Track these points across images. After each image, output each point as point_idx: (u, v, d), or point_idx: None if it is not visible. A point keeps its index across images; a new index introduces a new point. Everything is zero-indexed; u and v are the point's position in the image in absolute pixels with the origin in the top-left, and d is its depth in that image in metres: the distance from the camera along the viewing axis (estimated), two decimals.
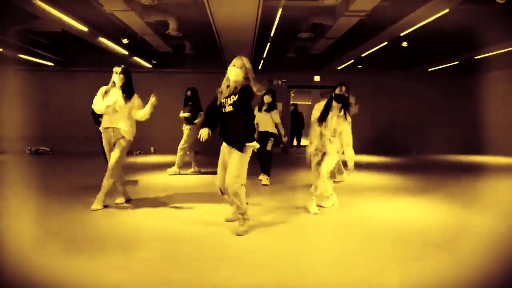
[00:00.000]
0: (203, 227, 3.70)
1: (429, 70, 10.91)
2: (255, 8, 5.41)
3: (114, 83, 4.31)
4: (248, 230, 3.50)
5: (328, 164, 4.24)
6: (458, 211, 4.35)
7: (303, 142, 13.06)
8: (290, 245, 3.23)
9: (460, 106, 11.36)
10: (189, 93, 6.84)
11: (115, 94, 4.27)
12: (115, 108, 4.26)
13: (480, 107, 11.15)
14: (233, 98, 3.38)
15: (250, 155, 3.50)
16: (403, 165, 8.75)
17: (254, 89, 3.40)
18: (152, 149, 11.30)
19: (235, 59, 3.49)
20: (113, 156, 4.23)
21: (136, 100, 4.35)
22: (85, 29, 6.12)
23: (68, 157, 9.88)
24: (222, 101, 3.47)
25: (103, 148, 4.56)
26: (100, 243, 3.23)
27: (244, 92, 3.35)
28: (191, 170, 7.08)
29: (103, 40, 6.96)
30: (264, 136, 5.88)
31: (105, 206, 4.31)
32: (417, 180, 6.46)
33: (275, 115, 5.94)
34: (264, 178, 5.94)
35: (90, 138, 10.14)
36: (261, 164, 6.06)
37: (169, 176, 6.74)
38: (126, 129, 4.28)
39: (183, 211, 4.30)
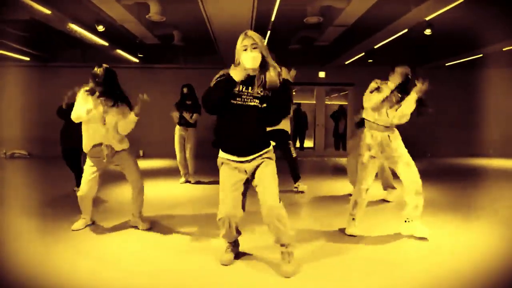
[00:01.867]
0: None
1: (447, 64, 9.87)
2: None
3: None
4: (297, 270, 2.64)
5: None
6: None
7: (306, 144, 12.15)
8: None
9: (478, 104, 10.34)
10: (185, 90, 6.01)
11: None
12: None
13: (500, 106, 10.20)
14: (259, 91, 2.52)
15: None
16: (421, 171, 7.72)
17: (289, 78, 2.56)
18: (141, 153, 10.29)
19: (243, 38, 2.52)
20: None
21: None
22: (48, 12, 5.08)
23: (48, 162, 8.88)
24: (236, 90, 2.52)
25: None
26: None
27: (285, 87, 2.57)
28: (183, 179, 6.24)
29: (73, 27, 5.93)
30: (281, 135, 5.09)
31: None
32: (443, 192, 5.46)
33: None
34: (300, 185, 5.40)
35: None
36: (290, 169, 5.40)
37: (161, 186, 5.97)
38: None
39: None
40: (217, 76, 2.56)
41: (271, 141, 2.70)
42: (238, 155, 2.58)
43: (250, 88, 2.52)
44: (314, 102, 11.32)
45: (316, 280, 2.55)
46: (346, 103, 11.94)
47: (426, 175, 7.21)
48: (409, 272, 2.69)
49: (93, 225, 3.74)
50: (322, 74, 10.62)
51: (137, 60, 9.29)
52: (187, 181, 6.18)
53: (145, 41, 7.78)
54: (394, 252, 3.09)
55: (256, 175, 2.61)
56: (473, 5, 5.21)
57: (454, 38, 8.02)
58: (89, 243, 3.28)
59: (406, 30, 6.56)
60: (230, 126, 2.57)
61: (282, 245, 2.64)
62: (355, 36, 7.64)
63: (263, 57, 2.49)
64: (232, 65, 2.55)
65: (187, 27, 7.36)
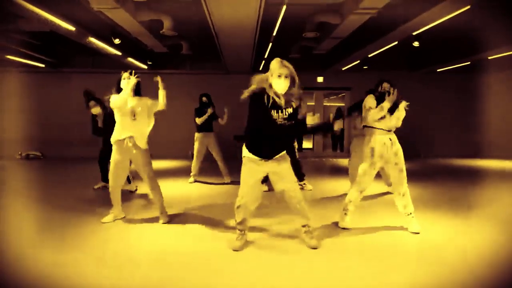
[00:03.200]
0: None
1: (438, 70, 10.44)
2: (257, 6, 4.94)
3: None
4: (319, 244, 3.35)
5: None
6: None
7: (305, 145, 12.68)
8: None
9: (469, 108, 10.90)
10: (204, 99, 6.51)
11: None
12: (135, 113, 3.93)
13: (491, 109, 10.71)
14: (288, 111, 3.08)
15: None
16: (413, 171, 8.27)
17: (303, 109, 3.19)
18: None
19: (276, 65, 3.04)
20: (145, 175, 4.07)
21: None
22: (72, 28, 5.64)
23: (61, 163, 9.44)
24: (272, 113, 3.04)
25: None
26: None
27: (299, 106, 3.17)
28: (192, 179, 6.75)
29: (93, 40, 6.48)
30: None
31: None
32: (433, 190, 5.99)
33: None
34: (305, 184, 5.97)
35: (84, 142, 9.85)
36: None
37: (174, 186, 6.41)
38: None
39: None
40: (251, 92, 3.03)
41: None
42: (263, 158, 3.19)
43: (280, 109, 3.03)
44: (313, 103, 11.89)
45: (317, 265, 3.06)
46: (343, 104, 12.50)
47: (424, 175, 7.74)
48: (401, 264, 3.03)
49: (123, 219, 4.26)
50: (320, 79, 11.18)
51: (145, 67, 9.84)
52: (196, 181, 6.68)
53: (155, 49, 8.33)
54: (387, 245, 3.47)
55: (276, 171, 3.22)
56: (464, 15, 5.54)
57: (446, 44, 8.57)
58: (116, 231, 3.83)
59: (396, 42, 7.12)
60: (262, 137, 3.13)
61: (303, 226, 3.36)
62: (350, 47, 8.21)
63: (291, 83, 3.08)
64: (258, 75, 3.09)
65: (194, 37, 7.93)
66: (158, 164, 9.31)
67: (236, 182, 4.73)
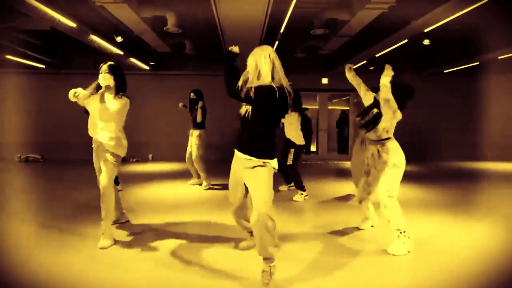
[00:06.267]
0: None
1: (445, 72, 10.26)
2: (265, 3, 4.78)
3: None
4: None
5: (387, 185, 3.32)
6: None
7: (312, 148, 12.49)
8: None
9: (476, 109, 10.70)
10: (192, 95, 6.26)
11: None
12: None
13: (500, 111, 10.54)
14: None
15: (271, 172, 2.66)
16: (420, 175, 8.07)
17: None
18: (150, 156, 10.63)
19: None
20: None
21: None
22: (73, 25, 5.45)
23: (61, 165, 9.23)
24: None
25: None
26: None
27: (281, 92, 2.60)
28: (195, 180, 6.51)
29: (94, 38, 6.31)
30: (286, 144, 5.45)
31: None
32: (441, 193, 5.81)
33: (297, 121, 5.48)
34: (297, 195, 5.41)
35: (84, 145, 9.63)
36: (284, 176, 5.73)
37: (172, 189, 6.15)
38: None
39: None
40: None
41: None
42: (239, 150, 2.71)
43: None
44: (317, 107, 11.67)
45: (314, 272, 2.87)
46: (348, 108, 12.32)
47: (426, 178, 7.59)
48: (405, 269, 2.96)
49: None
50: (325, 81, 11.00)
51: (148, 68, 9.66)
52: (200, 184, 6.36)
53: (158, 49, 8.16)
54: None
55: (247, 180, 2.67)
56: (472, 14, 5.44)
57: (453, 45, 8.39)
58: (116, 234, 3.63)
59: (406, 41, 6.93)
60: (241, 125, 2.73)
61: (264, 259, 2.59)
62: (358, 45, 8.03)
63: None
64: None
65: (198, 36, 7.75)
66: (160, 167, 9.13)
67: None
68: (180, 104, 6.56)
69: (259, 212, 2.46)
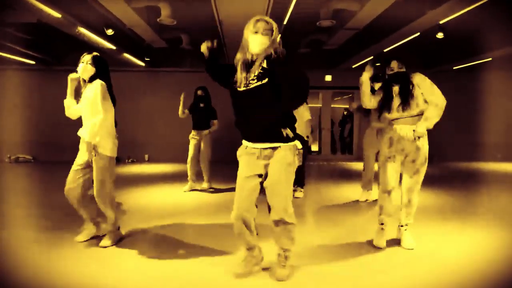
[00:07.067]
0: None
1: (454, 68, 9.82)
2: None
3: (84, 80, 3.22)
4: (291, 274, 2.62)
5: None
6: None
7: (313, 147, 12.10)
8: None
9: (485, 108, 10.27)
10: (199, 92, 5.80)
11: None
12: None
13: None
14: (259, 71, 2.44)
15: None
16: (428, 176, 7.65)
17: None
18: (146, 157, 10.19)
19: (255, 21, 2.45)
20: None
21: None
22: (58, 15, 5.01)
23: (53, 167, 8.78)
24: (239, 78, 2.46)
25: None
26: None
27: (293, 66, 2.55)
28: (205, 184, 6.00)
29: (82, 30, 5.85)
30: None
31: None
32: (453, 197, 5.39)
33: (305, 111, 4.95)
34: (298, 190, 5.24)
35: (77, 145, 9.20)
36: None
37: (171, 194, 5.70)
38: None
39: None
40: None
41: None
42: (251, 140, 2.49)
43: (251, 71, 2.44)
44: (320, 105, 11.24)
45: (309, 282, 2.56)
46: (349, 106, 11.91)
47: (434, 179, 7.21)
48: (409, 274, 2.72)
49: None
50: (328, 78, 10.56)
51: (143, 64, 9.22)
52: (192, 189, 5.80)
53: (153, 44, 7.72)
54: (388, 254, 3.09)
55: (268, 173, 2.46)
56: (484, 9, 5.13)
57: (461, 42, 7.96)
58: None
59: (418, 34, 6.49)
60: (241, 112, 2.50)
61: (284, 250, 2.60)
62: (365, 40, 7.58)
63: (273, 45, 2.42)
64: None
65: (195, 30, 7.30)
66: (156, 168, 8.70)
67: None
68: (182, 96, 5.77)
69: (280, 215, 2.45)
